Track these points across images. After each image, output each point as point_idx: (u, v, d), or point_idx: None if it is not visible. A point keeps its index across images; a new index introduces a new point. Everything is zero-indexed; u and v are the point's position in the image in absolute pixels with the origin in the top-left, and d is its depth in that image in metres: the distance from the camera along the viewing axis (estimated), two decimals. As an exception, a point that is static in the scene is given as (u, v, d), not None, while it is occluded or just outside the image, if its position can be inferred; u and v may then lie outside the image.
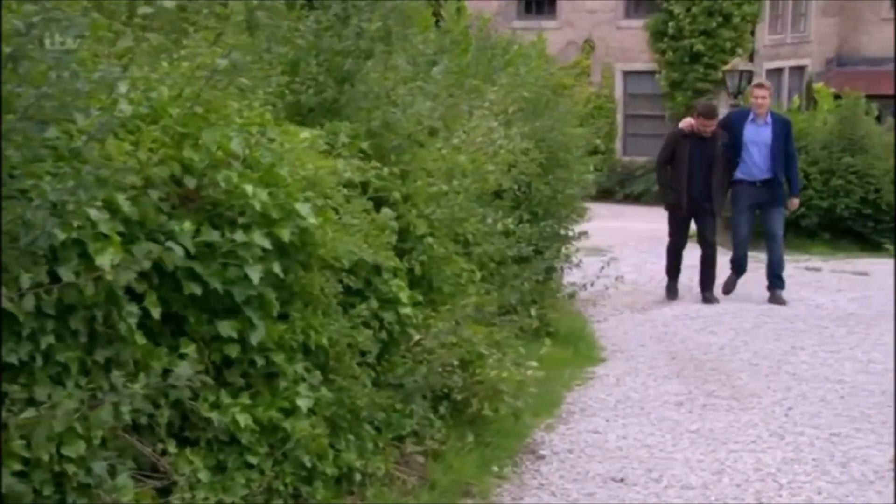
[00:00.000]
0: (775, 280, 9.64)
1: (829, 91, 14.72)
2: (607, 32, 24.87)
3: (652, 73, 24.05)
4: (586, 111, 24.83)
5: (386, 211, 4.83)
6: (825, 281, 11.09)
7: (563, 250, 8.11)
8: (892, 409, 6.02)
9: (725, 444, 5.33)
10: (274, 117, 4.88)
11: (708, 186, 9.29)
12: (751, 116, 9.50)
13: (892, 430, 5.59)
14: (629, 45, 24.69)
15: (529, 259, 7.00)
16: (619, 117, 24.90)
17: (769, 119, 9.49)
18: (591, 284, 8.55)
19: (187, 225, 3.24)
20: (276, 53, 4.99)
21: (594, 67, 25.14)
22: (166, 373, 3.25)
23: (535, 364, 5.25)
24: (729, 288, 9.79)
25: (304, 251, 3.90)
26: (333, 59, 4.89)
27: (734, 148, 9.39)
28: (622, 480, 4.78)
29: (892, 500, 4.58)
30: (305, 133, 4.54)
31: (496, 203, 6.64)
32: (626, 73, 24.93)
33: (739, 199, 9.58)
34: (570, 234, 7.85)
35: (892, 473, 4.89)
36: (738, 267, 9.76)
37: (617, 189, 23.51)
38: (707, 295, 9.62)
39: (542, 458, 5.09)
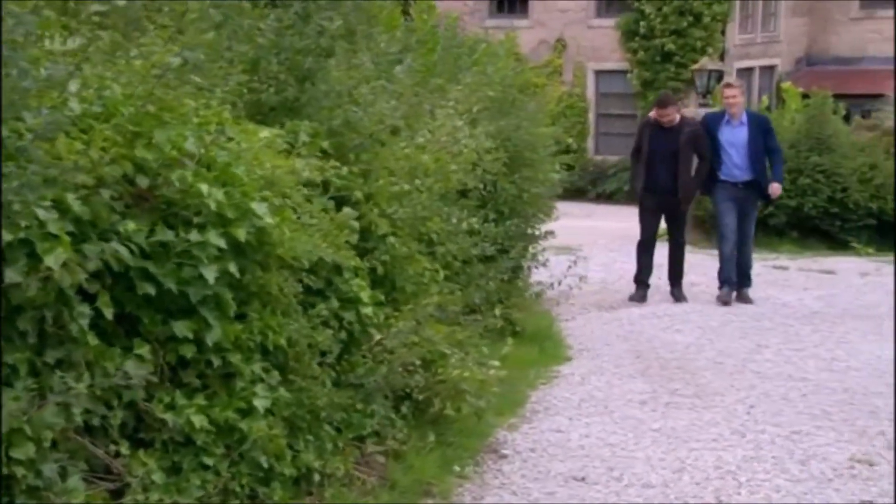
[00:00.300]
0: (743, 279, 9.59)
1: (797, 90, 14.82)
2: (579, 31, 24.93)
3: (623, 72, 24.12)
4: (558, 110, 24.94)
5: (347, 210, 4.81)
6: (792, 279, 11.17)
7: (531, 249, 8.12)
8: (853, 407, 6.07)
9: (687, 443, 5.35)
10: (234, 116, 4.86)
11: (673, 177, 9.19)
12: (725, 118, 9.41)
13: (852, 428, 5.64)
14: (601, 44, 24.76)
15: (495, 258, 7.00)
16: (591, 116, 24.96)
17: (744, 119, 9.41)
18: (559, 283, 8.58)
19: (131, 225, 3.21)
20: (236, 52, 4.97)
21: (566, 66, 25.19)
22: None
23: (497, 363, 5.24)
24: (724, 300, 9.41)
25: (261, 251, 3.88)
26: (294, 57, 4.87)
27: (713, 148, 9.31)
28: (583, 479, 4.79)
29: (853, 498, 4.61)
30: (265, 132, 4.51)
31: (461, 202, 6.64)
32: (598, 73, 24.99)
33: (721, 196, 9.47)
34: (537, 233, 7.84)
35: (850, 471, 4.92)
36: (727, 276, 9.52)
37: (589, 188, 23.58)
38: (675, 291, 9.58)
39: (504, 457, 5.10)
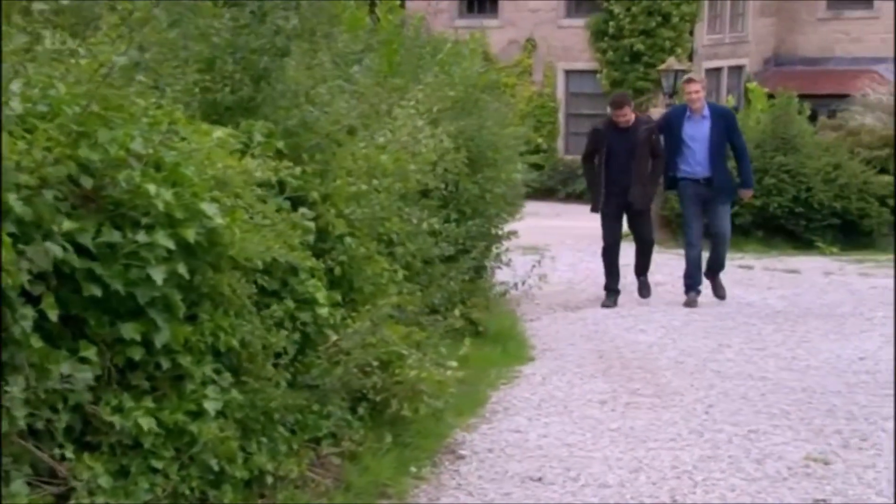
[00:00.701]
0: (713, 273, 9.52)
1: (763, 91, 14.92)
2: (549, 31, 25.00)
3: (593, 72, 24.22)
4: (528, 110, 24.99)
5: (303, 211, 4.79)
6: (757, 279, 11.25)
7: (494, 249, 8.12)
8: (810, 406, 6.11)
9: (645, 442, 5.36)
10: (189, 116, 4.83)
11: (628, 176, 9.01)
12: (687, 113, 9.28)
13: (809, 427, 5.67)
14: (571, 44, 24.84)
15: (457, 258, 7.00)
16: (561, 116, 25.04)
17: (706, 112, 9.25)
18: (523, 283, 8.59)
19: (66, 224, 3.16)
20: (192, 51, 4.94)
21: (536, 66, 25.25)
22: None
23: (454, 364, 5.23)
24: (691, 305, 9.30)
25: (212, 252, 3.85)
26: (250, 56, 4.84)
27: (671, 145, 9.19)
28: (540, 479, 4.79)
29: (806, 497, 4.64)
30: (218, 132, 4.48)
31: (423, 202, 6.63)
32: (568, 72, 25.07)
33: (684, 195, 9.36)
34: (500, 232, 7.84)
35: (805, 470, 4.95)
36: (692, 280, 9.41)
37: (559, 188, 23.66)
38: (641, 284, 9.55)
39: (461, 457, 5.09)
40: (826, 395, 6.35)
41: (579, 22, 24.56)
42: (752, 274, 11.57)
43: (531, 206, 22.48)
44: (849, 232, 13.49)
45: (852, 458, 5.13)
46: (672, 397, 6.26)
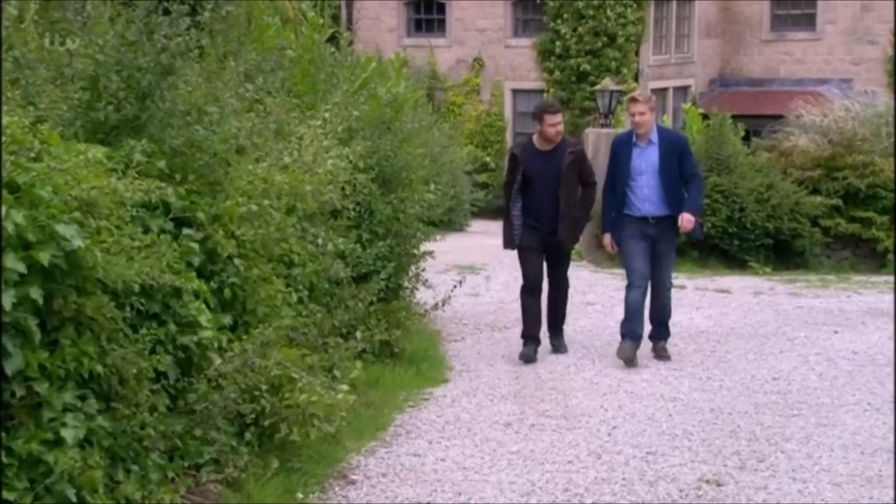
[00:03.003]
0: (660, 329, 8.05)
1: (698, 111, 15.03)
2: (496, 51, 25.11)
3: (541, 91, 24.33)
4: (476, 129, 25.05)
5: (187, 232, 4.71)
6: (686, 299, 11.25)
7: (414, 269, 8.05)
8: (715, 426, 6.10)
9: (542, 465, 5.32)
10: (72, 134, 4.74)
11: (557, 208, 7.69)
12: (633, 139, 7.74)
13: (709, 448, 5.66)
14: (518, 63, 24.97)
15: (370, 278, 6.93)
16: (509, 135, 25.09)
17: (655, 138, 7.70)
18: (443, 304, 8.52)
19: None
20: (75, 69, 4.85)
21: (484, 85, 25.33)
22: None
23: (345, 387, 5.16)
24: (626, 355, 7.70)
25: (74, 275, 3.76)
26: (135, 74, 4.75)
27: (615, 178, 7.76)
28: (428, 504, 4.73)
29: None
30: (96, 151, 4.40)
31: (331, 223, 6.57)
32: (516, 91, 25.19)
33: (628, 233, 7.73)
34: (416, 252, 7.79)
35: (696, 492, 4.93)
36: (631, 327, 7.78)
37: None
38: (554, 341, 8.20)
39: (352, 482, 5.01)
40: (733, 415, 6.35)
41: (526, 42, 24.72)
42: (682, 294, 11.57)
43: (479, 225, 22.36)
44: (782, 252, 13.59)
45: (745, 480, 5.12)
46: (579, 419, 6.22)
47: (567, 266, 8.22)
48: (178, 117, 4.93)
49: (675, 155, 7.71)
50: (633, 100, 7.85)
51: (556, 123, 7.78)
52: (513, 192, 7.84)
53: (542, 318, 8.12)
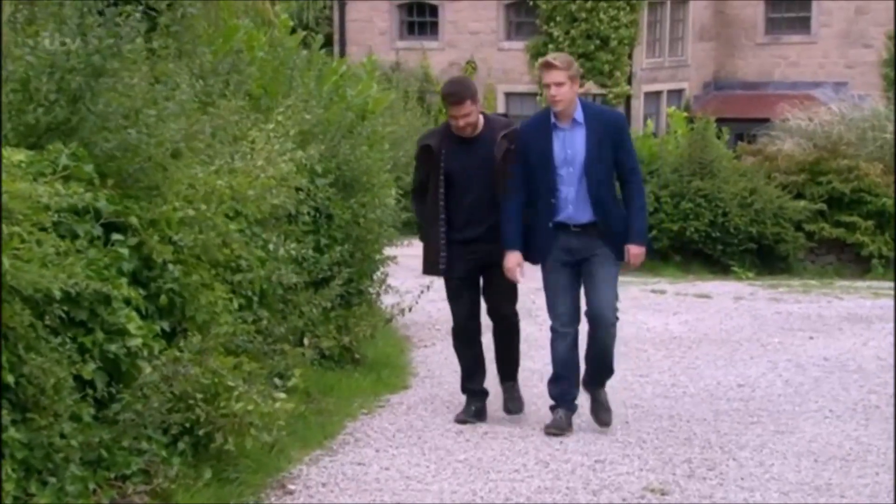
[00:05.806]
0: (597, 374, 6.06)
1: (683, 115, 14.95)
2: (489, 54, 25.07)
3: (534, 94, 24.19)
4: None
5: (117, 237, 4.63)
6: (665, 304, 11.15)
7: (379, 274, 7.96)
8: (670, 434, 6.01)
9: (487, 474, 5.23)
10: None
11: (492, 216, 5.78)
12: (552, 119, 5.71)
13: (660, 456, 5.56)
14: (511, 66, 24.92)
15: (328, 283, 6.83)
16: (502, 139, 25.00)
17: (580, 117, 5.66)
18: (410, 310, 8.41)
19: None
20: (7, 70, 4.77)
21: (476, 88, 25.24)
22: None
23: (283, 396, 5.06)
24: (559, 427, 5.87)
25: (-16, 282, 3.68)
26: (66, 76, 4.68)
27: (526, 175, 5.73)
28: (364, 515, 4.64)
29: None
30: (19, 155, 4.33)
31: (287, 228, 6.48)
32: (508, 95, 25.13)
33: (547, 254, 5.77)
34: (378, 257, 7.70)
35: (640, 501, 4.84)
36: (562, 388, 5.96)
37: (497, 210, 23.59)
38: (507, 397, 6.23)
39: (290, 492, 4.92)
40: (691, 422, 6.25)
41: (519, 45, 24.68)
42: (662, 299, 11.48)
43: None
44: (765, 257, 13.51)
45: (692, 489, 5.03)
46: (533, 426, 6.12)
47: (510, 294, 6.08)
48: (113, 120, 4.85)
49: (608, 140, 5.66)
50: (548, 65, 5.64)
51: (462, 115, 5.75)
52: (428, 198, 5.94)
53: (488, 362, 6.30)
